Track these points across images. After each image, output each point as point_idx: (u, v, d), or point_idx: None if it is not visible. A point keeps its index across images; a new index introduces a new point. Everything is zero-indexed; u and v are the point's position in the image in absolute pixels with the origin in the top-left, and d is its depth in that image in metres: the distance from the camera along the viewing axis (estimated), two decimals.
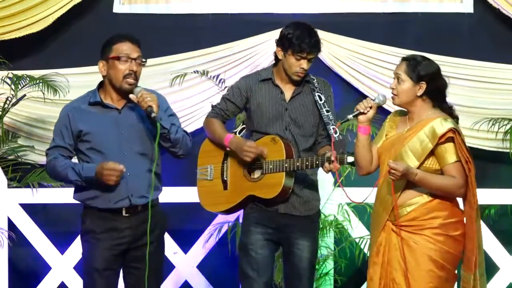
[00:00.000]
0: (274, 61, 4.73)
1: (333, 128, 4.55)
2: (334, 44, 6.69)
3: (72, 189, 6.20)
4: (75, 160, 4.41)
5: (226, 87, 6.00)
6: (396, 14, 6.73)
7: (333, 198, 5.91)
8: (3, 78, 6.31)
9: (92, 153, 4.28)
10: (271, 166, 4.54)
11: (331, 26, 6.71)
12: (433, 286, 4.16)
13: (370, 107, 4.25)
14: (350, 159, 4.41)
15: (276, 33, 6.62)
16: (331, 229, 5.89)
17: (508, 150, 6.29)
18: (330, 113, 4.61)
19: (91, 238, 4.31)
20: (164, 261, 4.55)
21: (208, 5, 6.76)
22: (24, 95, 6.29)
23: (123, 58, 4.25)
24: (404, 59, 4.30)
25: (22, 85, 6.24)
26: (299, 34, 4.55)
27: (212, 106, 4.81)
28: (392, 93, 4.26)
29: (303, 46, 4.53)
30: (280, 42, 4.64)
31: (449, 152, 4.18)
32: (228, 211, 4.76)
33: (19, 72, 6.35)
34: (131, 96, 4.24)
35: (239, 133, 4.76)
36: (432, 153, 4.18)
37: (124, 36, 4.32)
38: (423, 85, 4.23)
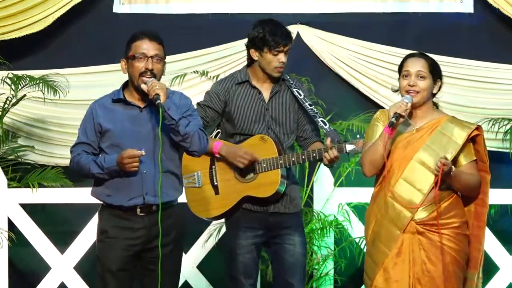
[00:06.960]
0: (247, 63, 4.72)
1: (321, 120, 4.55)
2: (334, 44, 6.69)
3: (72, 189, 6.23)
4: None
5: None
6: (396, 14, 6.73)
7: (333, 198, 5.92)
8: (3, 78, 6.30)
9: (111, 150, 4.23)
10: (264, 165, 4.52)
11: (331, 26, 6.70)
12: None
13: (406, 109, 4.14)
14: (349, 147, 4.39)
15: None
16: (331, 229, 5.88)
17: (508, 150, 6.28)
18: (313, 106, 4.62)
19: (105, 238, 4.25)
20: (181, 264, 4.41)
21: (208, 5, 6.76)
22: (24, 95, 6.29)
23: (139, 56, 4.24)
24: (417, 56, 4.24)
25: (22, 85, 6.23)
26: (270, 30, 4.57)
27: None
28: (413, 90, 4.17)
29: (278, 40, 4.55)
30: (252, 44, 4.65)
31: (469, 151, 4.18)
32: (222, 216, 4.69)
33: (19, 72, 6.35)
34: (142, 86, 4.21)
35: (215, 138, 4.69)
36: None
37: (143, 33, 4.30)
38: (438, 83, 4.24)
